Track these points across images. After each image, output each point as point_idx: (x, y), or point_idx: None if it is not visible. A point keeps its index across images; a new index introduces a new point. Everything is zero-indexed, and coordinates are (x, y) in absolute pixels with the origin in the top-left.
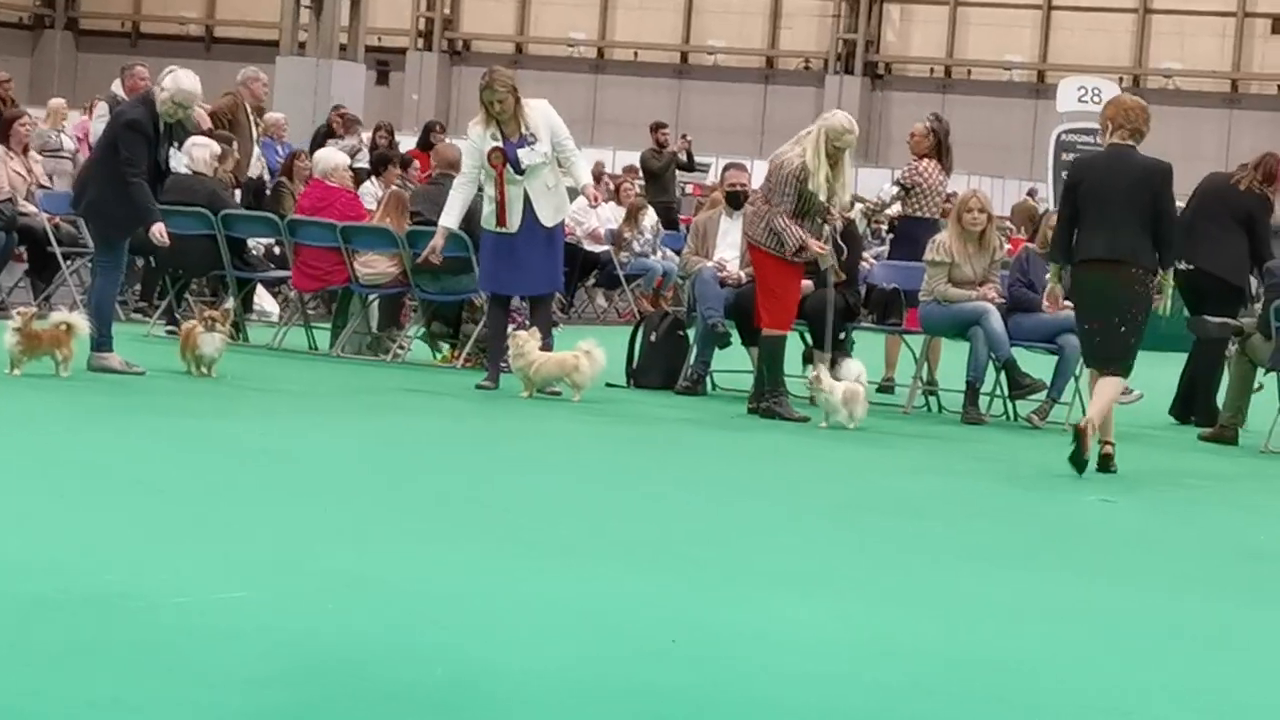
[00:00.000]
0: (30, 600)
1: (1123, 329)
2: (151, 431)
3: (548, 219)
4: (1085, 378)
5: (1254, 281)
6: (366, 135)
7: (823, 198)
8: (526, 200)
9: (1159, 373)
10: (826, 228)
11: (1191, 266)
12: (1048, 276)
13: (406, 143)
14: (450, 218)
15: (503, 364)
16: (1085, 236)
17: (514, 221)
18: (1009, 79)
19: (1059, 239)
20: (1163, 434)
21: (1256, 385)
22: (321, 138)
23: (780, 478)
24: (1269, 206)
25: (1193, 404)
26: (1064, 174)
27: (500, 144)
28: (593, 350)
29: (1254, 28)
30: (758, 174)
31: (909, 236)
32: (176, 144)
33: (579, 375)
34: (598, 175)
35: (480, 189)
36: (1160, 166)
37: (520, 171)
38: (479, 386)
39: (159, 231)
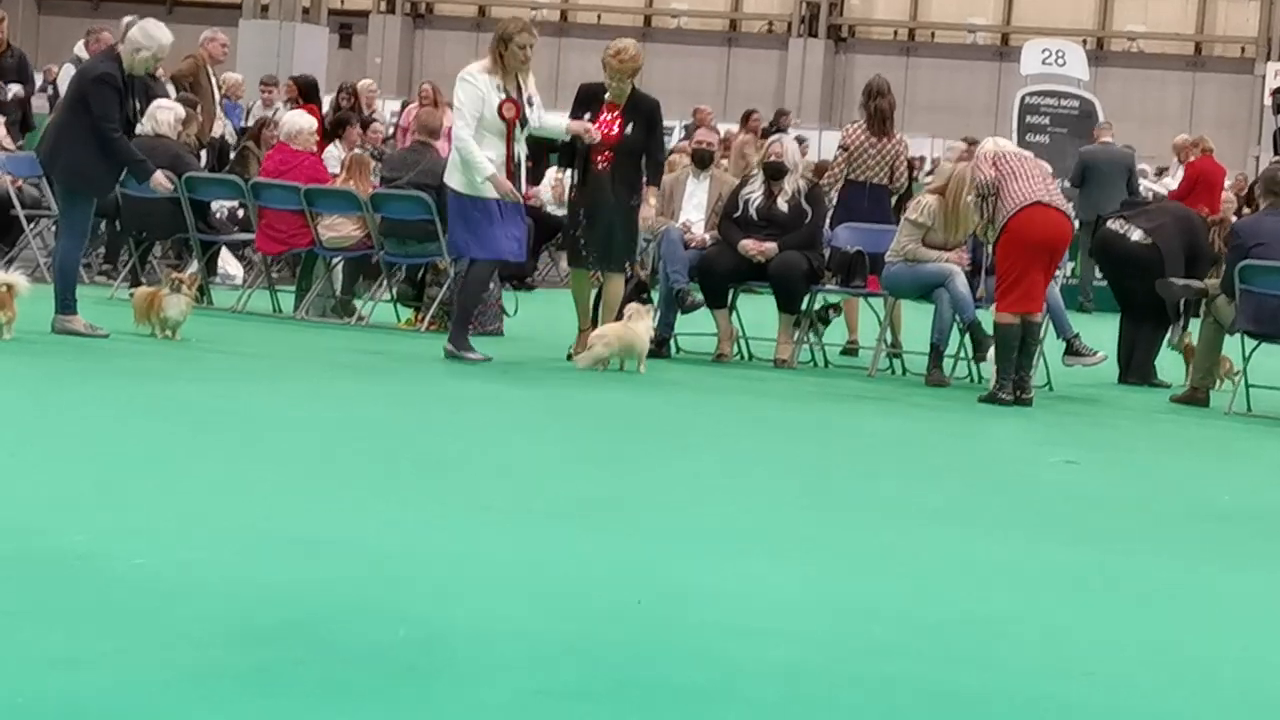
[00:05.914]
0: None
1: None
2: (114, 394)
3: (523, 186)
4: (1050, 338)
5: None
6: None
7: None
8: (516, 163)
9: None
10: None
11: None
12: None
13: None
14: (488, 166)
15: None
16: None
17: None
18: (973, 42)
19: None
20: (1131, 396)
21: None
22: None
23: (746, 440)
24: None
25: (1130, 365)
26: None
27: (513, 97)
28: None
29: None
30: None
31: (844, 202)
32: (139, 102)
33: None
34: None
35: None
36: None
37: (522, 129)
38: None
39: (163, 178)
